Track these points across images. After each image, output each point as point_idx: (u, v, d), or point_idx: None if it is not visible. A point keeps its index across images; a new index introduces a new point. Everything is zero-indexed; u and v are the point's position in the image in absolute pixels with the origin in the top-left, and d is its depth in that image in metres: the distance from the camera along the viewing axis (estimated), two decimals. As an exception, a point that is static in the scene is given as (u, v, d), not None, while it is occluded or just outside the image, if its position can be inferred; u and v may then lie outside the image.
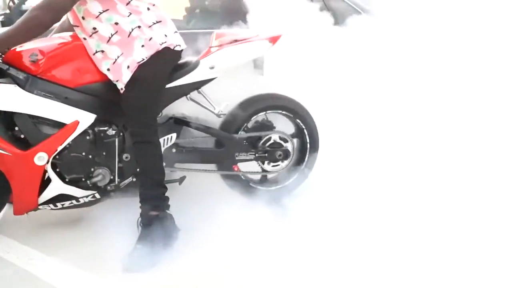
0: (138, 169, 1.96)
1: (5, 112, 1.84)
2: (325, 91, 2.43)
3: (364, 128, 2.51)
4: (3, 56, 1.82)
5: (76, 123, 1.90)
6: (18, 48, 1.87)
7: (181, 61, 2.11)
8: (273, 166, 2.34)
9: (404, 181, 2.24)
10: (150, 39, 1.90)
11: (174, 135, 2.12)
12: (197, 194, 2.18)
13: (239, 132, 2.26)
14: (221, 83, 2.20)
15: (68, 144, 1.92)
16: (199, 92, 2.17)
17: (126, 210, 2.03)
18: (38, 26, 1.72)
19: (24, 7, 3.38)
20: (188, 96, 2.15)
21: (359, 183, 2.28)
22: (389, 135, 2.48)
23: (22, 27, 1.70)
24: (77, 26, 1.93)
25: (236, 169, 2.25)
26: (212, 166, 2.28)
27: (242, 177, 2.30)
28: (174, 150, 2.13)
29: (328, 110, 2.43)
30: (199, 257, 1.83)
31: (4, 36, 1.72)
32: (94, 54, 1.91)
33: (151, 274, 1.76)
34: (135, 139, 1.92)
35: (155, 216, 1.88)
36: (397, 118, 2.52)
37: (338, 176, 2.34)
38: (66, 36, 1.98)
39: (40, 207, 2.00)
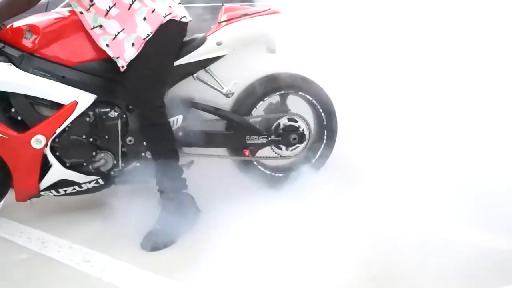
0: (150, 153, 1.84)
1: (1, 92, 1.74)
2: (343, 72, 2.23)
3: (379, 107, 2.31)
4: None
5: (75, 103, 1.79)
6: (14, 25, 1.77)
7: (187, 38, 1.97)
8: (286, 150, 2.18)
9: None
10: (153, 11, 1.77)
11: (180, 117, 1.98)
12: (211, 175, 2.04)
13: (250, 114, 2.11)
14: (231, 62, 2.04)
15: (67, 126, 1.82)
16: (207, 71, 2.02)
17: (133, 192, 1.96)
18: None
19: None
20: (195, 75, 2.00)
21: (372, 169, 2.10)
22: (404, 114, 2.29)
23: (8, 1, 1.59)
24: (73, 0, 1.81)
25: (247, 153, 2.09)
26: (222, 151, 2.13)
27: (255, 163, 2.15)
28: (180, 133, 1.99)
29: (345, 91, 2.24)
30: (218, 237, 1.73)
31: None
32: (92, 29, 1.79)
33: (168, 253, 1.72)
34: (143, 122, 1.80)
35: (174, 197, 1.81)
36: (413, 97, 2.32)
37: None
38: (64, 11, 1.86)
39: (42, 193, 1.91)
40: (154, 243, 1.74)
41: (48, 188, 1.91)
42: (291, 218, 1.82)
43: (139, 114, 1.82)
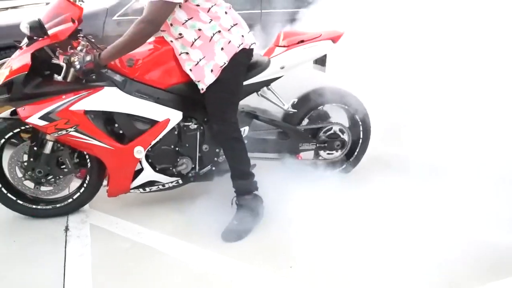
0: (227, 161, 2.21)
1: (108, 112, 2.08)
2: (382, 87, 2.63)
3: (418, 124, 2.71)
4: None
5: (168, 120, 2.15)
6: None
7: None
8: (328, 154, 2.60)
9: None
10: (229, 42, 2.10)
11: (247, 128, 2.36)
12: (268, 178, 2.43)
13: (301, 124, 2.50)
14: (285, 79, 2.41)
15: (159, 138, 2.17)
16: (269, 89, 2.39)
17: (202, 188, 2.37)
18: (144, 38, 1.92)
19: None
20: (259, 92, 2.37)
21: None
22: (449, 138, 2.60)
23: (130, 39, 1.90)
24: (164, 31, 2.12)
25: (299, 158, 2.50)
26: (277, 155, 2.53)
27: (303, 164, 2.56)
28: (246, 142, 2.37)
29: (384, 106, 2.64)
30: (283, 229, 2.17)
31: (115, 48, 1.92)
32: (179, 54, 2.12)
33: (245, 243, 2.12)
34: (220, 136, 2.17)
35: (248, 199, 2.21)
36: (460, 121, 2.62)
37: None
38: (152, 42, 2.16)
39: (131, 191, 2.29)
40: (236, 235, 2.14)
41: (137, 187, 2.29)
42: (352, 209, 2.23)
43: (217, 129, 2.18)
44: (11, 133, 2.13)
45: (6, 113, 2.16)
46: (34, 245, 2.11)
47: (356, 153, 2.65)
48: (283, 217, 2.24)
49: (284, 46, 2.37)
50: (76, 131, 2.02)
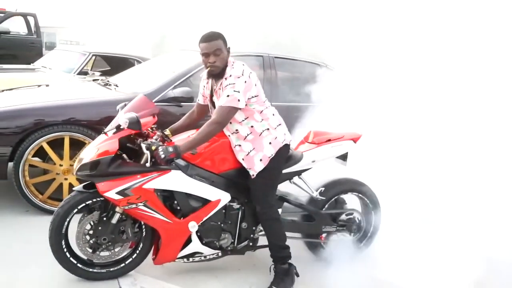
0: (267, 236, 2.58)
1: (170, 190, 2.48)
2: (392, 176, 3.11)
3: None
4: None
5: (219, 200, 2.55)
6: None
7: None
8: (343, 235, 2.99)
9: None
10: (275, 138, 2.57)
11: (280, 210, 2.76)
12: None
13: (323, 209, 2.92)
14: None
15: (210, 215, 2.55)
16: (300, 178, 2.83)
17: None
18: (213, 135, 2.40)
19: None
20: (292, 180, 2.81)
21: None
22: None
23: (205, 136, 2.37)
24: None
25: (322, 238, 2.89)
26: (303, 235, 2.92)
27: (323, 244, 2.94)
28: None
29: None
30: None
31: (192, 143, 2.35)
32: (234, 147, 2.57)
33: None
34: (262, 216, 2.56)
35: (285, 267, 2.57)
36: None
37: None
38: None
39: (176, 260, 2.61)
40: None
41: (182, 257, 2.62)
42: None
43: (260, 211, 2.58)
44: (83, 204, 2.48)
45: (79, 187, 2.52)
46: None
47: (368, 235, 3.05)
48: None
49: (313, 143, 2.86)
50: (144, 205, 2.39)
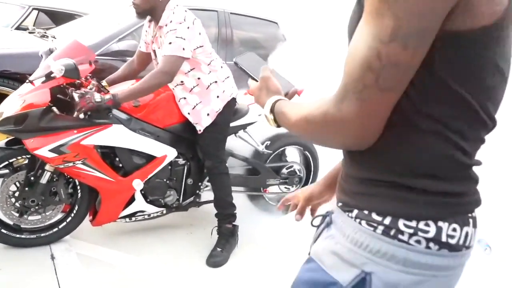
0: (214, 193, 2.49)
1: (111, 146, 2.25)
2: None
3: None
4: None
5: (165, 156, 2.39)
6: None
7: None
8: (286, 188, 3.04)
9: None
10: (223, 91, 2.45)
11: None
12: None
13: (267, 162, 2.91)
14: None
15: (156, 172, 2.39)
16: (245, 131, 2.76)
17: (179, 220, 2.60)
18: (159, 86, 2.17)
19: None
20: (237, 134, 2.73)
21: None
22: None
23: (148, 86, 2.13)
24: None
25: (266, 191, 2.90)
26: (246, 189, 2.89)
27: (265, 197, 2.96)
28: (224, 176, 2.69)
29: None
30: (258, 254, 2.51)
31: (132, 92, 2.11)
32: (179, 100, 2.40)
33: (227, 268, 2.38)
34: (212, 171, 2.46)
35: (230, 227, 2.50)
36: None
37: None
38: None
39: (117, 220, 2.44)
40: (217, 262, 2.40)
41: (124, 217, 2.45)
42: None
43: (211, 165, 2.46)
44: (6, 163, 2.16)
45: (1, 143, 2.19)
46: (24, 274, 2.13)
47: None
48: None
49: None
50: (83, 164, 2.15)
